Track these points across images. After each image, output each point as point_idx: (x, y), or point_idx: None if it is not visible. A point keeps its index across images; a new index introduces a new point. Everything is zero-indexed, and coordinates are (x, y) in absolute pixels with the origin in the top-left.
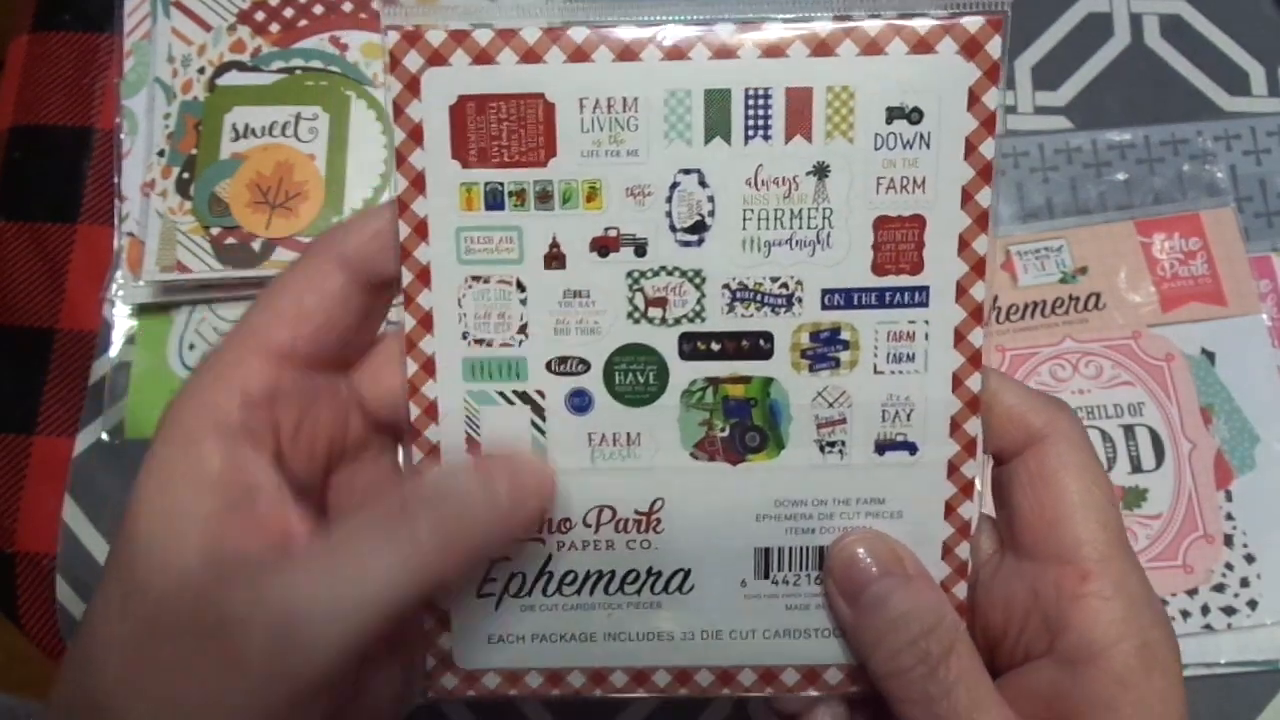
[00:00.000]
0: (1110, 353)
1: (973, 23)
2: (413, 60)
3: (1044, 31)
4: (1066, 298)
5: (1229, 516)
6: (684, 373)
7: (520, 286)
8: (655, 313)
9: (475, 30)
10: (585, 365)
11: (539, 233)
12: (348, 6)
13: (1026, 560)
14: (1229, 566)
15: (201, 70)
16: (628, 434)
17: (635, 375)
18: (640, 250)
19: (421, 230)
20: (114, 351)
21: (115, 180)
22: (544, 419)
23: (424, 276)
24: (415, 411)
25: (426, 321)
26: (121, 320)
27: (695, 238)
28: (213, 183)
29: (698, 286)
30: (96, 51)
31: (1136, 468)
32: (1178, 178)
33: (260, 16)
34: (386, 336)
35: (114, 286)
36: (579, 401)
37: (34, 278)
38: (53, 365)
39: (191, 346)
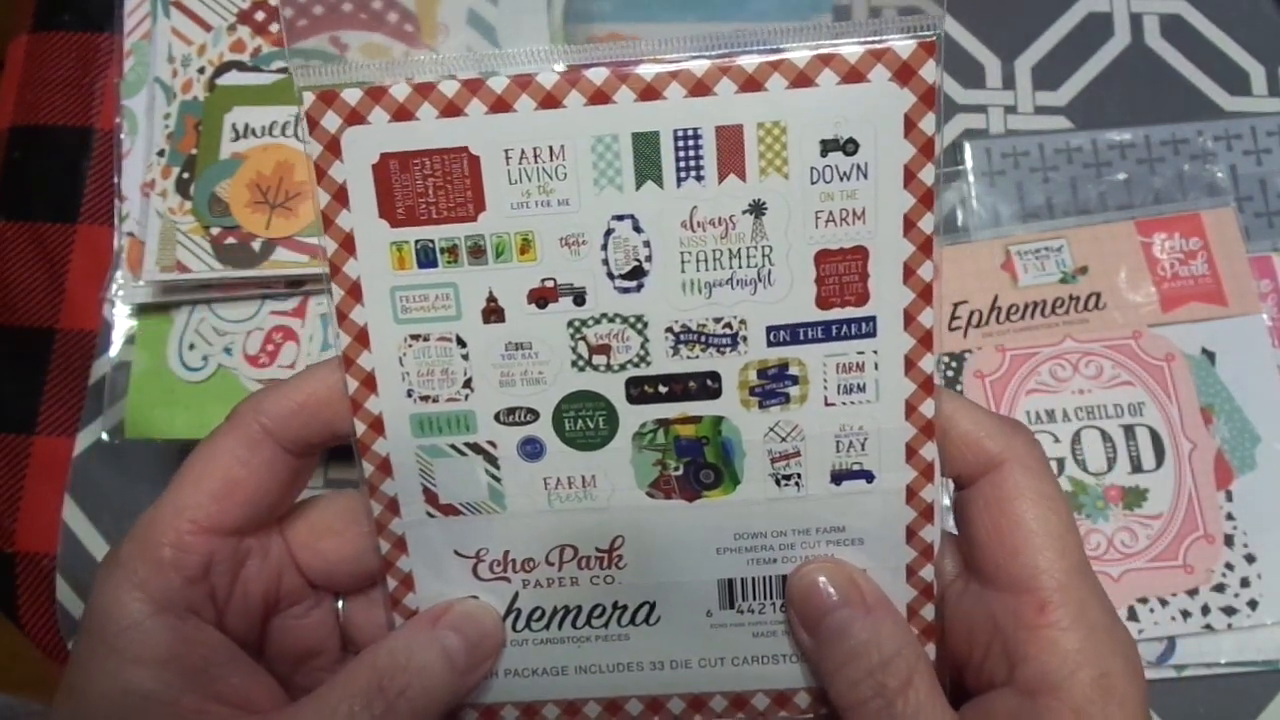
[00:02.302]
0: (1110, 353)
1: (904, 48)
2: (331, 120)
3: (1044, 31)
4: (1067, 297)
5: (1229, 516)
6: (633, 416)
7: (461, 342)
8: (599, 360)
9: (393, 86)
10: (534, 414)
11: (475, 288)
12: (348, 7)
13: (987, 587)
14: (1229, 566)
15: (201, 70)
16: (582, 477)
17: (585, 421)
18: (579, 299)
19: (355, 292)
20: (114, 351)
21: (115, 180)
22: (498, 467)
23: (362, 338)
24: (369, 468)
25: (370, 382)
26: (121, 320)
27: (634, 283)
28: (213, 183)
29: (640, 331)
30: (96, 51)
31: (1137, 468)
32: (1178, 177)
33: (260, 16)
34: (322, 499)
35: (114, 286)
36: (531, 449)
37: (34, 278)
38: (53, 365)
39: (191, 346)
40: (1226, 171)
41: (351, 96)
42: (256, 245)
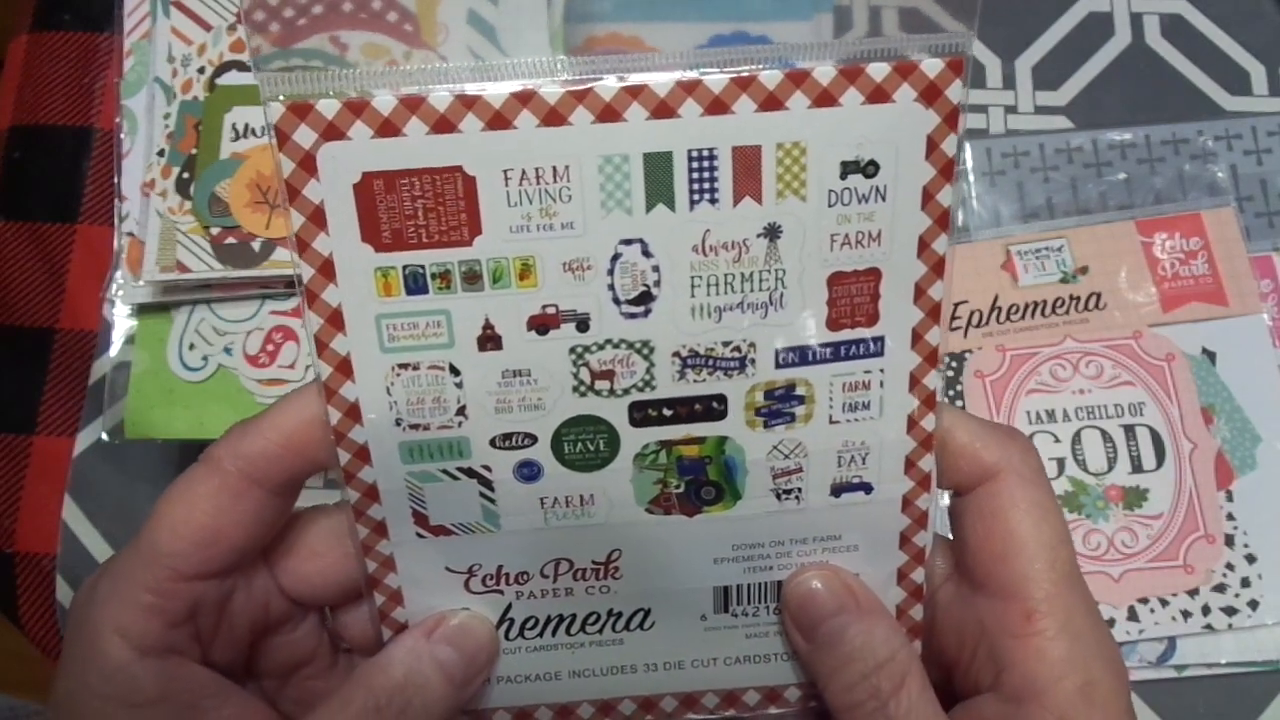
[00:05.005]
0: (1111, 352)
1: (932, 66)
2: (304, 135)
3: (1044, 31)
4: (1067, 297)
5: (1230, 516)
6: (635, 438)
7: (454, 371)
8: (602, 385)
9: (376, 98)
10: (532, 438)
11: (469, 315)
12: (348, 6)
13: (977, 593)
14: (1230, 566)
15: (201, 70)
16: (580, 496)
17: (585, 444)
18: (582, 325)
19: (336, 321)
20: (114, 351)
21: (115, 180)
22: (492, 489)
23: (344, 369)
24: (354, 495)
25: (354, 413)
26: (121, 320)
27: (641, 309)
28: (213, 183)
29: (646, 357)
30: (96, 51)
31: (1137, 468)
32: (1178, 177)
33: (260, 16)
34: (302, 519)
35: (114, 286)
36: (528, 471)
37: (34, 278)
38: (53, 365)
39: (191, 346)
40: (1227, 171)
41: (328, 109)
42: (256, 245)
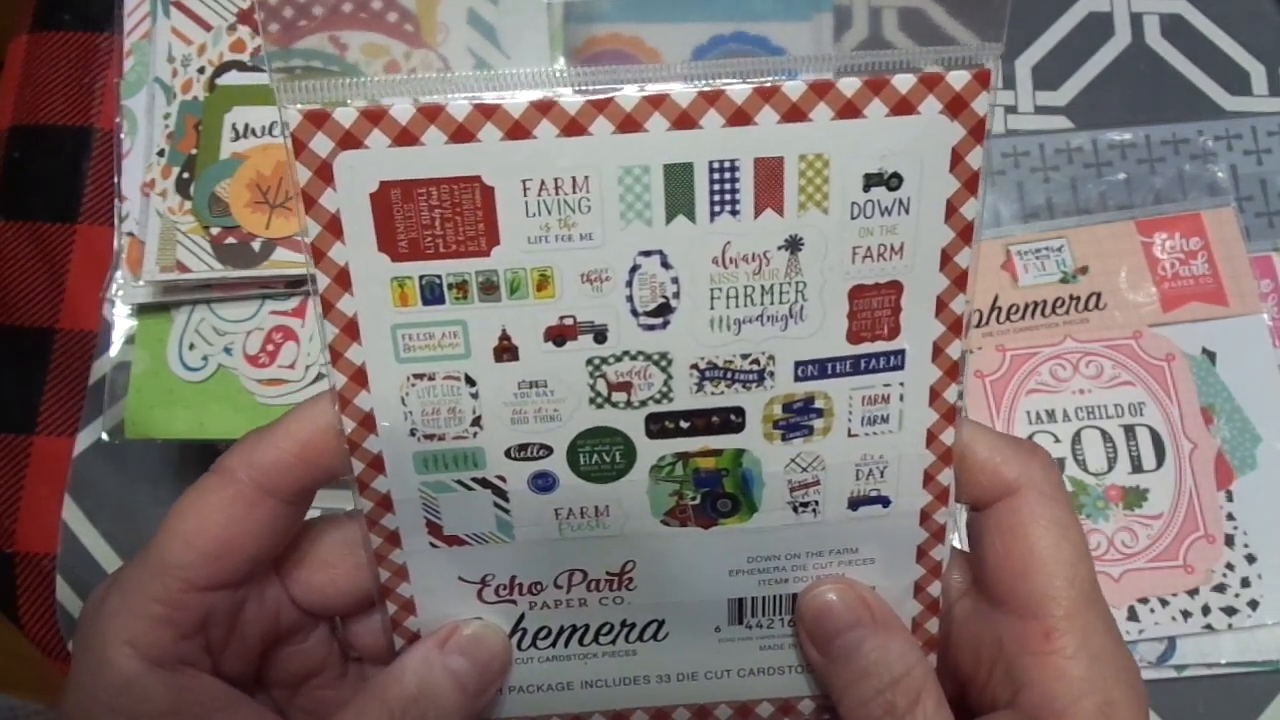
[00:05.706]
0: (1111, 352)
1: (958, 78)
2: (321, 144)
3: (1044, 31)
4: (1067, 297)
5: (1230, 516)
6: (652, 450)
7: (470, 381)
8: (619, 397)
9: (394, 107)
10: (547, 449)
11: (486, 325)
12: (348, 7)
13: (996, 609)
14: (1230, 566)
15: (201, 70)
16: (595, 507)
17: (601, 455)
18: (600, 337)
19: (351, 330)
20: (114, 351)
21: (115, 180)
22: (507, 500)
23: (359, 378)
24: (367, 504)
25: (368, 422)
26: (121, 320)
27: (659, 320)
28: (213, 183)
29: (664, 369)
30: (96, 51)
31: (1137, 468)
32: (1178, 177)
33: (261, 16)
34: (314, 529)
35: (114, 286)
36: (543, 482)
37: (34, 278)
38: (53, 365)
39: (191, 346)
40: (1227, 171)
41: (345, 117)
42: (256, 245)
